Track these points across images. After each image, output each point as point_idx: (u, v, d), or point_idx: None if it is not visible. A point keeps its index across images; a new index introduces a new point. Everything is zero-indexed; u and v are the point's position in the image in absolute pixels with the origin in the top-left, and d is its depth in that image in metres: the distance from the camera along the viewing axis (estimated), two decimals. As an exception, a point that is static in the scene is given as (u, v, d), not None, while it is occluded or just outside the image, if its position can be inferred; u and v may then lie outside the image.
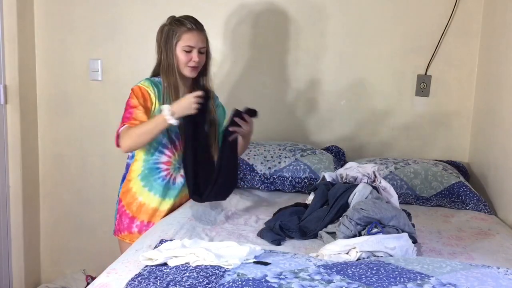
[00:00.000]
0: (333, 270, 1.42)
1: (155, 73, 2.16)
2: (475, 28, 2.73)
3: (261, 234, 1.87)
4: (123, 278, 1.43)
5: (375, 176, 2.04)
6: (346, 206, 1.90)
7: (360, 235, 1.73)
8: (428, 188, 2.46)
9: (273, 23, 2.87)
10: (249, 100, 2.94)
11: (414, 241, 1.74)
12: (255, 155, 2.62)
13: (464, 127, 2.82)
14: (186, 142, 2.05)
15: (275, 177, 2.55)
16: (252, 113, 2.07)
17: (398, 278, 1.37)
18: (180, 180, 2.18)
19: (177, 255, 1.50)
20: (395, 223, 1.73)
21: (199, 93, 1.94)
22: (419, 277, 1.38)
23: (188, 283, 1.34)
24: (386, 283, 1.33)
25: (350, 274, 1.39)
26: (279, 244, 1.80)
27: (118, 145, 2.08)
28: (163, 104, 2.05)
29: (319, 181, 2.26)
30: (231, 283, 1.32)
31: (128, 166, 2.19)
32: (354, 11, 2.82)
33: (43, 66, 3.06)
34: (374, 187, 1.97)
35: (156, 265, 1.48)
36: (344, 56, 2.85)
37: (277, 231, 1.86)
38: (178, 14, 2.17)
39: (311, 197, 2.13)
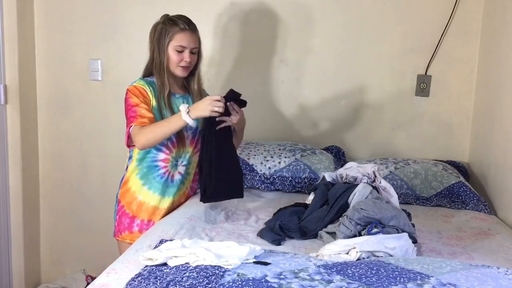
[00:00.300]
0: (333, 270, 1.42)
1: (147, 71, 2.17)
2: (475, 28, 2.73)
3: (261, 234, 1.87)
4: (123, 278, 1.43)
5: (375, 176, 2.04)
6: (346, 206, 1.90)
7: (360, 235, 1.73)
8: (428, 188, 2.46)
9: (273, 23, 2.87)
10: (249, 100, 2.94)
11: (414, 241, 1.74)
12: (255, 155, 2.62)
13: (464, 127, 2.82)
14: (202, 143, 2.06)
15: (275, 177, 2.55)
16: (241, 103, 2.06)
17: (398, 278, 1.37)
18: (178, 177, 2.19)
19: (177, 255, 1.50)
20: (395, 223, 1.73)
21: (217, 97, 1.94)
22: (419, 277, 1.38)
23: (188, 283, 1.34)
24: (386, 283, 1.33)
25: (350, 274, 1.39)
26: (279, 244, 1.80)
27: (128, 145, 2.10)
28: (158, 103, 2.07)
29: (319, 181, 2.26)
30: (231, 283, 1.32)
31: (127, 167, 2.20)
32: (354, 11, 2.82)
33: (43, 66, 3.06)
34: (374, 187, 1.97)
35: (156, 265, 1.48)
36: (344, 56, 2.85)
37: (277, 231, 1.86)
38: (177, 14, 2.17)
39: (311, 197, 2.13)
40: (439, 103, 2.81)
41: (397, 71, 2.82)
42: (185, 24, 2.08)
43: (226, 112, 2.00)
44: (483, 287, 1.34)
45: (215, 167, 2.03)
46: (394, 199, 1.96)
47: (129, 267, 1.53)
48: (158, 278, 1.39)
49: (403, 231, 1.71)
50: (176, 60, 2.08)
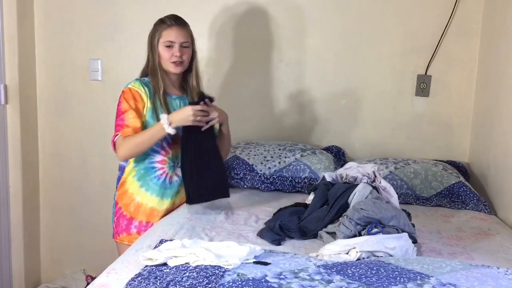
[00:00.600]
0: (333, 270, 1.42)
1: (144, 72, 2.19)
2: (475, 28, 2.73)
3: (261, 234, 1.87)
4: (123, 278, 1.43)
5: (375, 176, 2.04)
6: (346, 206, 1.90)
7: (360, 235, 1.73)
8: (428, 188, 2.45)
9: (272, 23, 2.87)
10: (249, 100, 2.95)
11: (414, 241, 1.74)
12: (255, 155, 2.62)
13: (464, 127, 2.81)
14: (184, 149, 2.07)
15: (275, 177, 2.55)
16: (210, 100, 2.07)
17: (398, 278, 1.37)
18: (176, 179, 2.18)
19: (177, 255, 1.50)
20: (395, 223, 1.73)
21: (198, 107, 1.97)
22: (419, 277, 1.38)
23: (188, 283, 1.34)
24: (386, 283, 1.33)
25: (350, 274, 1.39)
26: (279, 244, 1.80)
27: (115, 151, 2.10)
28: (153, 104, 2.07)
29: (319, 181, 2.26)
30: (231, 283, 1.32)
31: (123, 168, 2.19)
32: (353, 11, 2.82)
33: (43, 66, 3.06)
34: (374, 187, 1.97)
35: (156, 265, 1.48)
36: (344, 56, 2.85)
37: (277, 231, 1.86)
38: (177, 14, 2.17)
39: (311, 197, 2.13)
40: (439, 103, 2.81)
41: (397, 71, 2.82)
42: (172, 20, 2.10)
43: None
44: (483, 287, 1.34)
45: (197, 169, 2.05)
46: (394, 199, 1.96)
47: (129, 267, 1.53)
48: (158, 278, 1.39)
49: (403, 231, 1.71)
50: (167, 56, 2.08)
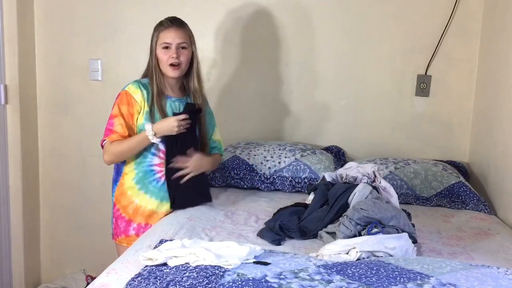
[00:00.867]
0: (333, 270, 1.42)
1: (144, 74, 2.18)
2: (475, 28, 2.73)
3: (261, 234, 1.87)
4: (123, 278, 1.43)
5: (375, 176, 2.04)
6: (346, 206, 1.90)
7: (360, 235, 1.73)
8: (428, 188, 2.45)
9: (273, 23, 2.87)
10: (249, 100, 2.95)
11: (414, 241, 1.74)
12: (255, 155, 2.62)
13: (464, 127, 2.81)
14: (169, 155, 2.10)
15: (275, 177, 2.55)
16: (197, 111, 2.14)
17: (398, 278, 1.37)
18: None
19: (177, 255, 1.50)
20: (395, 223, 1.73)
21: (181, 116, 2.01)
22: (419, 277, 1.38)
23: (188, 283, 1.34)
24: (386, 283, 1.33)
25: (350, 274, 1.39)
26: (279, 244, 1.81)
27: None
28: (150, 107, 2.08)
29: (319, 181, 2.26)
30: (231, 283, 1.32)
31: (118, 169, 2.18)
32: (354, 11, 2.81)
33: (43, 66, 3.06)
34: (374, 187, 1.97)
35: (156, 265, 1.48)
36: (344, 56, 2.85)
37: (277, 231, 1.86)
38: (178, 14, 2.17)
39: (311, 197, 2.13)
40: (439, 103, 2.81)
41: (397, 71, 2.82)
42: (169, 21, 2.10)
43: (193, 122, 2.09)
44: (483, 287, 1.34)
45: (180, 176, 2.10)
46: (394, 199, 1.97)
47: (129, 267, 1.53)
48: (158, 278, 1.39)
49: (403, 231, 1.72)
50: (164, 58, 2.07)
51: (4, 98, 2.88)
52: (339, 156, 2.82)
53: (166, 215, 2.16)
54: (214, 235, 1.88)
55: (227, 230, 1.94)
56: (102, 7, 2.97)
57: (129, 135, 2.08)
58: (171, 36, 2.07)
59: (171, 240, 1.70)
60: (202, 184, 2.20)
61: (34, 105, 3.07)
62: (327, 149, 2.84)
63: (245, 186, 2.55)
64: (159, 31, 2.09)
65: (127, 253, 1.70)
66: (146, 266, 1.49)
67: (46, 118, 3.10)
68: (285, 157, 2.60)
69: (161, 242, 1.71)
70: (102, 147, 2.09)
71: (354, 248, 1.61)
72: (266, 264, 1.46)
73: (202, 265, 1.45)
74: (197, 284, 1.33)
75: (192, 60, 2.15)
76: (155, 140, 2.03)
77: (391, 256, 1.60)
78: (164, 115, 2.08)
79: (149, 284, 1.36)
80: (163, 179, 2.14)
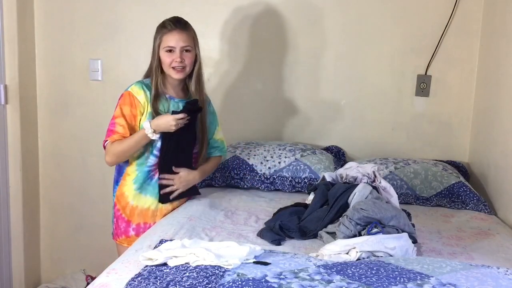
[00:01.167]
0: (333, 270, 1.42)
1: (147, 75, 2.17)
2: (475, 28, 2.73)
3: (261, 234, 1.87)
4: (123, 278, 1.43)
5: (375, 176, 2.04)
6: (346, 206, 1.90)
7: (360, 235, 1.73)
8: (428, 188, 2.45)
9: (273, 23, 2.87)
10: (249, 100, 2.95)
11: (414, 241, 1.74)
12: (255, 155, 2.62)
13: (464, 127, 2.81)
14: (164, 153, 2.10)
15: (275, 177, 2.55)
16: (197, 110, 2.13)
17: (398, 278, 1.37)
18: None
19: (177, 255, 1.50)
20: (395, 223, 1.73)
21: (179, 116, 2.00)
22: (419, 277, 1.38)
23: (188, 283, 1.34)
24: (386, 283, 1.33)
25: (350, 274, 1.39)
26: (279, 244, 1.80)
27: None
28: (152, 107, 2.07)
29: (319, 181, 2.26)
30: (231, 283, 1.32)
31: (120, 169, 2.18)
32: (354, 11, 2.81)
33: (43, 66, 3.06)
34: (374, 187, 1.97)
35: (156, 265, 1.48)
36: (344, 56, 2.85)
37: (277, 231, 1.86)
38: (178, 14, 2.17)
39: (311, 197, 2.13)
40: (439, 103, 2.81)
41: (397, 71, 2.82)
42: (172, 24, 2.06)
43: (192, 119, 2.09)
44: (483, 287, 1.34)
45: (170, 169, 2.12)
46: (394, 199, 1.96)
47: (129, 267, 1.53)
48: (158, 278, 1.39)
49: (403, 231, 1.71)
50: (167, 61, 2.06)
51: (4, 98, 2.88)
52: (339, 156, 2.82)
53: (165, 214, 2.16)
54: (214, 235, 1.88)
55: (227, 230, 1.94)
56: (102, 7, 2.97)
57: None
58: (175, 40, 2.04)
59: (171, 240, 1.70)
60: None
61: (34, 105, 3.07)
62: (327, 149, 2.84)
63: (245, 186, 2.55)
64: (162, 33, 2.06)
65: (127, 253, 1.70)
66: (146, 266, 1.49)
67: (46, 118, 3.10)
68: (285, 157, 2.60)
69: (161, 242, 1.71)
70: (104, 148, 2.09)
71: (354, 248, 1.61)
72: (266, 264, 1.46)
73: (202, 265, 1.45)
74: (197, 284, 1.33)
75: (195, 61, 2.13)
76: (155, 136, 2.02)
77: (391, 256, 1.60)
78: None
79: (149, 284, 1.36)
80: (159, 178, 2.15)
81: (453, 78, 2.79)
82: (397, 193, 2.01)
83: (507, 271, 1.46)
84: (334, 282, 1.34)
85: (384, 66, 2.83)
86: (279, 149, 2.65)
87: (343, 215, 1.83)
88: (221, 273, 1.39)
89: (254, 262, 1.47)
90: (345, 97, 2.88)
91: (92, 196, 3.11)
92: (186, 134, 2.11)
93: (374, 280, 1.35)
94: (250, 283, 1.31)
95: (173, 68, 2.06)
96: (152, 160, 2.12)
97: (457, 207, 2.38)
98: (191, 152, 2.20)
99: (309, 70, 2.88)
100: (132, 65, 2.96)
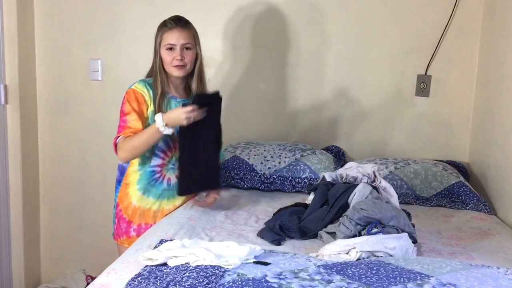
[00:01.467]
0: (333, 270, 1.42)
1: (149, 75, 2.16)
2: (475, 28, 2.73)
3: (261, 234, 1.87)
4: (123, 278, 1.43)
5: (375, 176, 2.04)
6: (346, 206, 1.90)
7: (360, 235, 1.73)
8: (428, 188, 2.45)
9: (273, 23, 2.87)
10: (250, 100, 2.95)
11: (414, 241, 1.74)
12: (255, 155, 2.62)
13: (464, 127, 2.81)
14: (182, 146, 2.05)
15: (275, 177, 2.55)
16: (216, 99, 2.07)
17: (398, 278, 1.37)
18: (175, 181, 2.16)
19: (177, 255, 1.50)
20: (395, 223, 1.73)
21: (188, 108, 1.93)
22: (419, 277, 1.38)
23: (188, 283, 1.34)
24: (386, 283, 1.33)
25: (350, 274, 1.39)
26: (279, 244, 1.80)
27: (116, 152, 2.10)
28: (155, 106, 2.05)
29: (319, 181, 2.26)
30: (231, 283, 1.32)
31: (122, 169, 2.18)
32: (354, 11, 2.82)
33: (43, 66, 3.06)
34: (374, 187, 1.97)
35: (156, 265, 1.48)
36: (344, 56, 2.85)
37: (277, 231, 1.86)
38: (177, 13, 2.16)
39: (311, 197, 2.13)
40: (439, 103, 2.81)
41: (397, 71, 2.82)
42: (172, 22, 2.06)
43: (209, 113, 2.00)
44: (483, 287, 1.34)
45: (192, 162, 2.04)
46: (394, 199, 1.96)
47: (129, 267, 1.53)
48: (158, 278, 1.39)
49: (403, 231, 1.71)
50: (168, 59, 2.06)
51: (4, 98, 2.88)
52: (339, 156, 2.82)
53: (166, 215, 2.16)
54: (214, 235, 1.88)
55: (227, 230, 1.94)
56: (102, 7, 2.97)
57: None
58: (175, 37, 2.04)
59: (171, 240, 1.70)
60: (212, 170, 2.14)
61: (34, 105, 3.07)
62: (327, 149, 2.84)
63: (245, 186, 2.55)
64: (162, 31, 2.06)
65: (127, 253, 1.70)
66: (146, 266, 1.49)
67: (46, 118, 3.10)
68: (285, 157, 2.60)
69: (161, 242, 1.71)
70: (115, 145, 2.04)
71: (354, 248, 1.61)
72: (266, 264, 1.46)
73: (202, 265, 1.45)
74: (197, 284, 1.33)
75: (196, 60, 2.13)
76: (168, 131, 1.94)
77: (391, 256, 1.60)
78: None
79: (149, 284, 1.36)
80: (161, 178, 2.15)
81: (453, 78, 2.79)
82: (397, 193, 2.01)
83: (507, 271, 1.46)
84: (334, 282, 1.34)
85: (384, 66, 2.83)
86: (279, 149, 2.65)
87: (343, 215, 1.83)
88: (221, 273, 1.39)
89: (254, 262, 1.47)
90: (345, 97, 2.88)
91: (92, 196, 3.11)
92: (203, 128, 2.02)
93: (374, 280, 1.35)
94: (250, 283, 1.31)
95: (174, 66, 2.06)
96: (155, 160, 2.12)
97: (457, 207, 2.38)
98: (213, 151, 2.14)
99: (309, 70, 2.88)
100: (132, 65, 2.96)
